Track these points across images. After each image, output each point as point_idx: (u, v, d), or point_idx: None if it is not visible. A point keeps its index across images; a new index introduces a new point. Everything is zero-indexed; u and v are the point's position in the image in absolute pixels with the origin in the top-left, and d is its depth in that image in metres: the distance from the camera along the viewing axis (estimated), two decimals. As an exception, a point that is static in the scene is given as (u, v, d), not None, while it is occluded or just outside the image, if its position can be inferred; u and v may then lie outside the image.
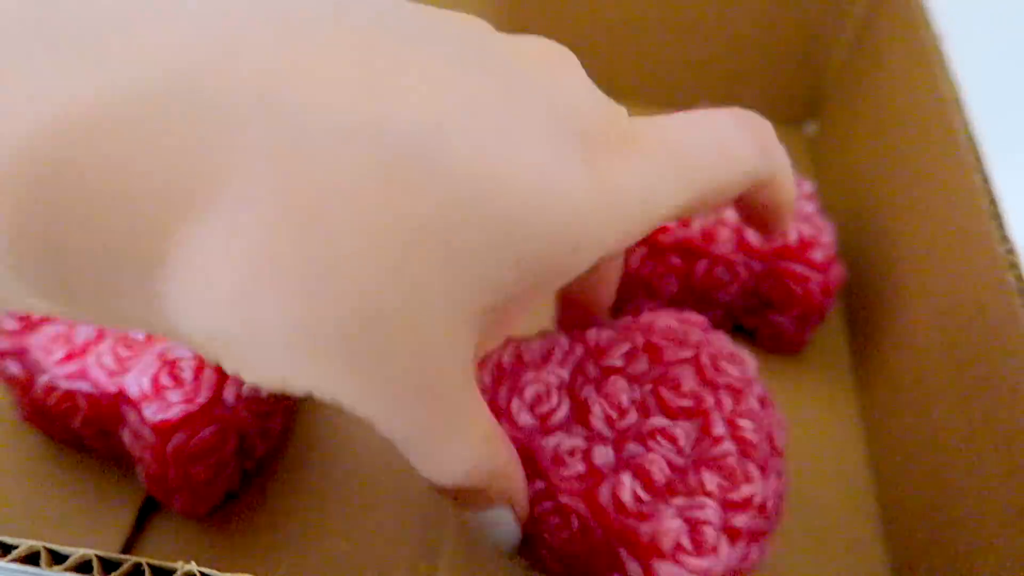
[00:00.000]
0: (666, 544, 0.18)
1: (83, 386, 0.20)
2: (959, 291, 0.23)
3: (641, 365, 0.21)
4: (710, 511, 0.19)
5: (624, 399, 0.20)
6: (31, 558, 0.15)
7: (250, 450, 0.23)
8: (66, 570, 0.15)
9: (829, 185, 0.35)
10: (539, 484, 0.20)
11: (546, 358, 0.21)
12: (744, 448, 0.20)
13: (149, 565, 0.15)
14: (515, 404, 0.20)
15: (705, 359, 0.21)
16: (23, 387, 0.22)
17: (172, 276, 0.12)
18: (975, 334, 0.22)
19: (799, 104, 0.39)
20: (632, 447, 0.20)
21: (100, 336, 0.21)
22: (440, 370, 0.14)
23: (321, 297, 0.12)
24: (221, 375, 0.21)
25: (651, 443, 0.20)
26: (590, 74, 0.16)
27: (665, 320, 0.22)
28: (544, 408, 0.20)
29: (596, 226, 0.15)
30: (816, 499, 0.25)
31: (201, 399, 0.20)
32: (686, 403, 0.20)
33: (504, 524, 0.18)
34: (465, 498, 0.16)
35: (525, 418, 0.20)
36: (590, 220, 0.14)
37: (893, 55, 0.31)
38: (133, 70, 0.11)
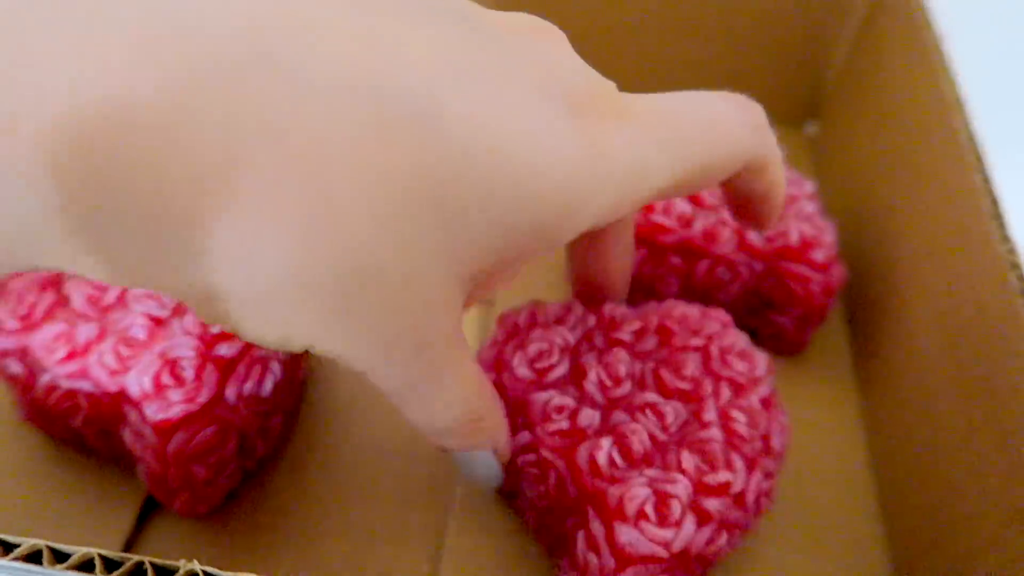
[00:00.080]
0: (630, 509, 0.19)
1: (84, 385, 0.20)
2: (960, 291, 0.23)
3: (649, 344, 0.22)
4: (680, 487, 0.19)
5: (622, 370, 0.21)
6: (33, 556, 0.15)
7: (251, 450, 0.23)
8: (68, 569, 0.15)
9: (830, 185, 0.35)
10: (526, 436, 0.20)
11: (559, 322, 0.22)
12: (732, 439, 0.20)
13: (151, 564, 0.15)
14: (518, 357, 0.21)
15: (714, 350, 0.22)
16: (24, 386, 0.22)
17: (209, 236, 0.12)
18: (975, 334, 0.22)
19: (800, 104, 0.39)
20: (619, 415, 0.20)
21: (101, 335, 0.21)
22: (432, 324, 0.14)
23: (318, 249, 0.12)
24: (223, 375, 0.21)
25: (638, 415, 0.20)
26: (590, 74, 0.16)
27: (685, 308, 0.23)
28: (543, 364, 0.21)
29: (587, 192, 0.15)
30: (816, 499, 0.25)
31: (202, 399, 0.20)
32: (683, 386, 0.21)
33: (487, 466, 0.19)
34: (452, 442, 0.17)
35: (524, 371, 0.21)
36: (581, 185, 0.15)
37: (894, 55, 0.31)
38: (170, 45, 0.11)
